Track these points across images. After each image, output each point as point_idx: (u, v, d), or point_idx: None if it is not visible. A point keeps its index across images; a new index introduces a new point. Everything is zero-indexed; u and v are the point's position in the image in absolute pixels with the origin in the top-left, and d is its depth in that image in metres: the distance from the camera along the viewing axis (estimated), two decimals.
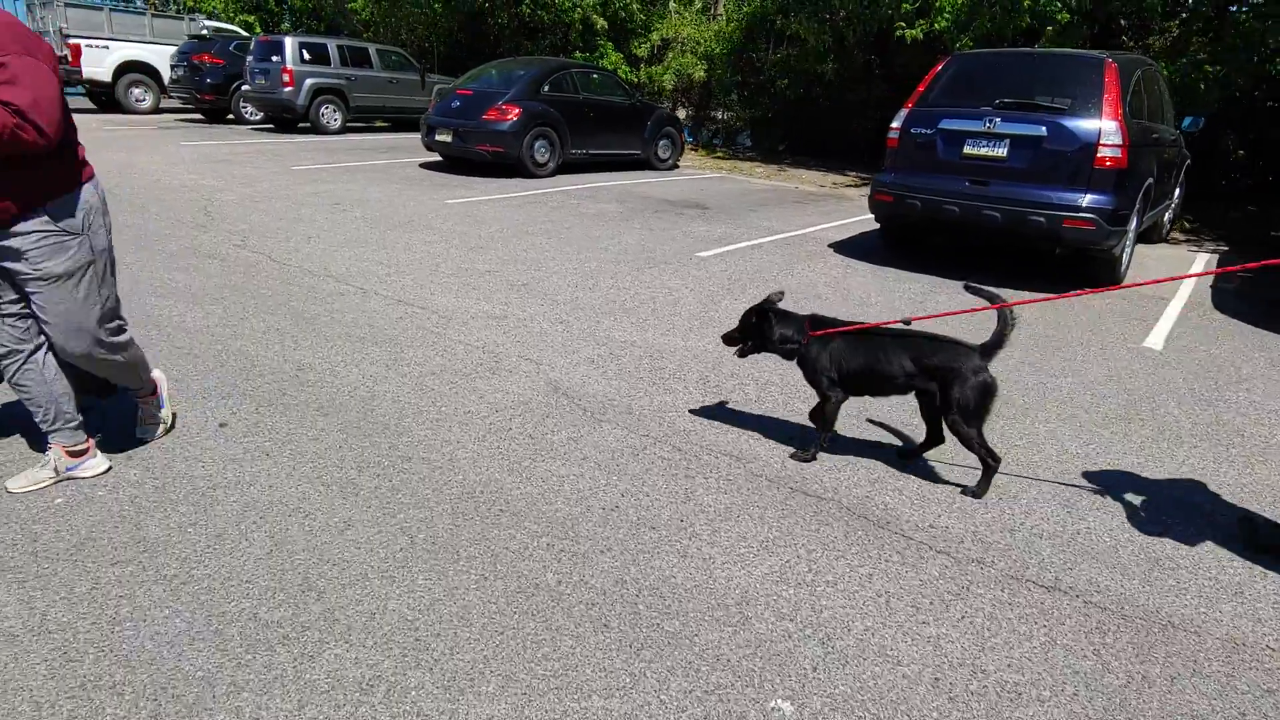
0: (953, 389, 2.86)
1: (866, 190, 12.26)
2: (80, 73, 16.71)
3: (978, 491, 3.01)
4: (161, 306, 4.74)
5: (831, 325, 3.10)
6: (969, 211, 6.06)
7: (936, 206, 6.23)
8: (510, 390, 3.84)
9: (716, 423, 3.58)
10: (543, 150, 10.82)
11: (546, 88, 10.86)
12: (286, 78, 13.94)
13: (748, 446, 3.34)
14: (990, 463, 2.96)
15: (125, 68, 17.10)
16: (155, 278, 5.32)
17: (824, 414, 3.15)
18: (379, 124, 17.12)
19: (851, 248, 7.60)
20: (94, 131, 13.76)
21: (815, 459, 3.24)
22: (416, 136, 11.88)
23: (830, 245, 7.66)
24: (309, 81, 14.19)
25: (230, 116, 16.54)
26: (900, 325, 3.06)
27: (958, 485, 3.10)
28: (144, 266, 5.56)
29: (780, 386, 4.03)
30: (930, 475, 3.20)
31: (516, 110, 10.34)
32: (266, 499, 2.79)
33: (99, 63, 16.76)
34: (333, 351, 4.19)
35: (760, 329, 3.15)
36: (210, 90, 15.73)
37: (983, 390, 2.85)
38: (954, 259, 7.12)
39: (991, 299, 2.94)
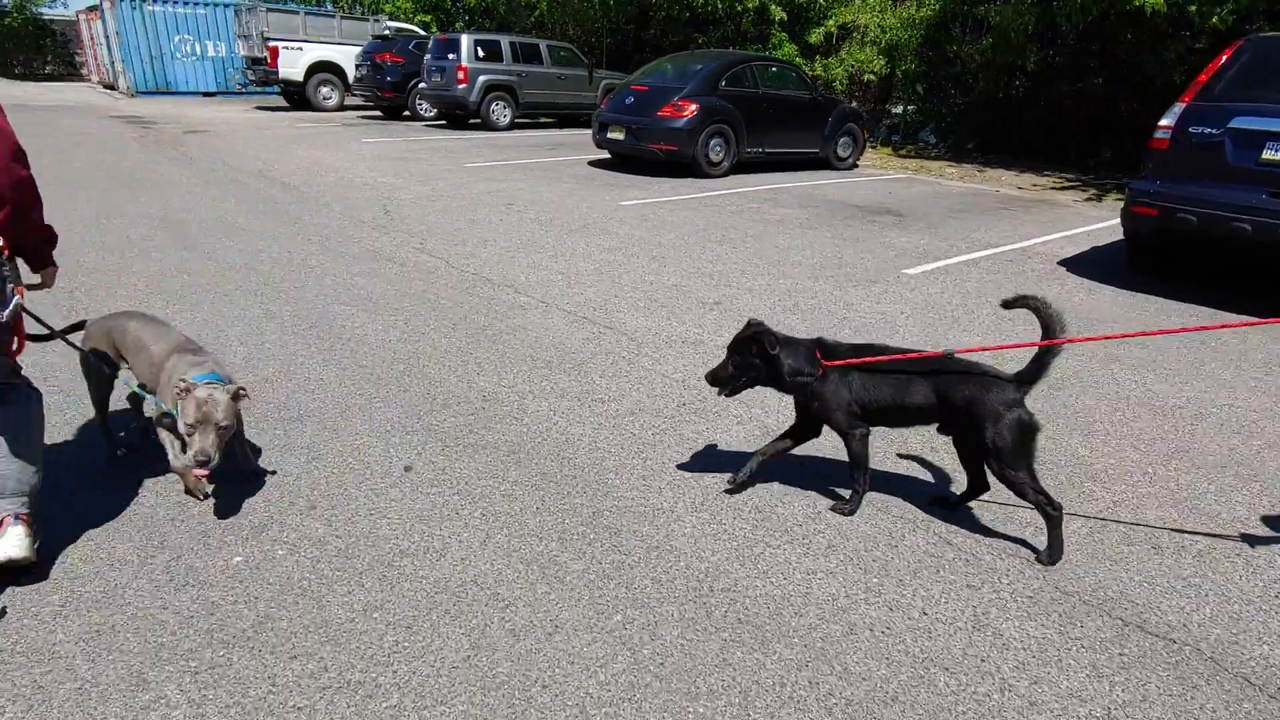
0: (985, 428, 2.41)
1: (1078, 195, 10.95)
2: (277, 73, 17.80)
3: (1050, 556, 2.50)
4: (345, 316, 4.52)
5: (842, 353, 2.63)
6: (1267, 230, 4.89)
7: (1221, 223, 5.08)
8: (722, 439, 3.26)
9: (993, 504, 2.83)
10: (717, 149, 10.21)
11: (724, 83, 10.22)
12: (461, 75, 14.12)
13: (1041, 542, 2.57)
14: (1050, 512, 2.46)
15: (315, 68, 18.08)
16: (340, 283, 5.16)
17: (854, 454, 2.67)
18: (544, 120, 17.16)
19: (1088, 266, 6.48)
20: (287, 129, 14.54)
21: (856, 510, 2.75)
22: (582, 133, 11.67)
23: (1061, 263, 6.57)
24: (481, 79, 14.31)
25: (406, 113, 17.09)
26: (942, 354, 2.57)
27: None
28: (328, 270, 5.44)
29: (1068, 443, 3.21)
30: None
31: (693, 107, 9.78)
32: (459, 578, 2.34)
33: (293, 64, 17.79)
34: (519, 378, 3.77)
35: (763, 362, 2.58)
36: (390, 88, 16.27)
37: (1019, 427, 2.39)
38: (1223, 282, 5.88)
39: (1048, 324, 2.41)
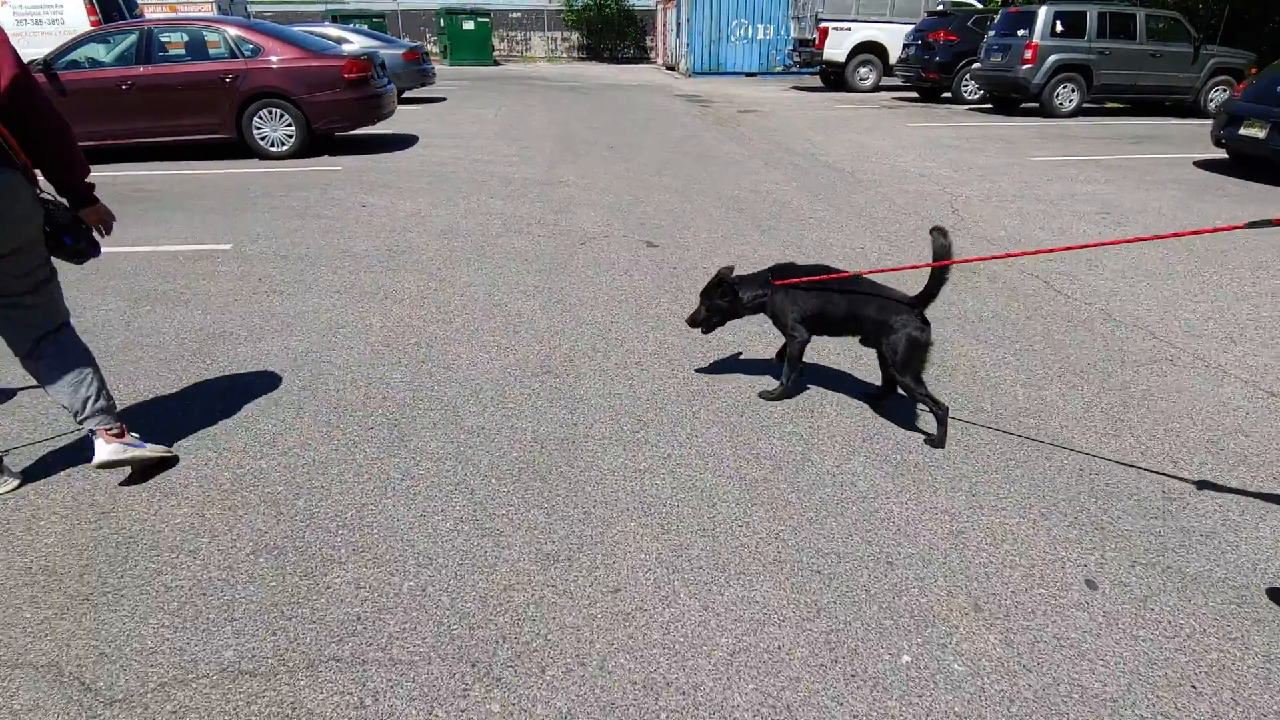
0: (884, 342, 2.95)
1: None
2: (821, 54, 18.18)
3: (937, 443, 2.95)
4: (955, 344, 3.99)
5: (790, 274, 3.17)
6: None
7: None
8: None
9: None
10: None
11: None
12: (1028, 54, 12.58)
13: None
14: (937, 412, 2.94)
15: (859, 48, 18.00)
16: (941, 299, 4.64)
17: (790, 353, 3.23)
18: (1111, 105, 14.58)
19: None
20: (827, 110, 14.71)
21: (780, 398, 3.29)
22: (1171, 123, 9.37)
23: None
24: (1052, 58, 12.57)
25: (946, 95, 16.05)
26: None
27: None
28: (907, 277, 4.96)
29: None
30: None
31: None
32: None
33: (839, 45, 17.98)
34: (1201, 467, 2.80)
35: (730, 299, 3.20)
36: (936, 68, 15.37)
37: (911, 343, 2.89)
38: None
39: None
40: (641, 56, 35.85)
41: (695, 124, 12.70)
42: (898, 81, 17.54)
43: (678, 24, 26.48)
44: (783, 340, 3.31)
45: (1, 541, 2.42)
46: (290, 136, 9.00)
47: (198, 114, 8.78)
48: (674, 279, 4.92)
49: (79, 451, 2.90)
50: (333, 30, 15.83)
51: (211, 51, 8.83)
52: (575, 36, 35.57)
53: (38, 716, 1.81)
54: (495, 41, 32.29)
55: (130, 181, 8.02)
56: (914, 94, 17.24)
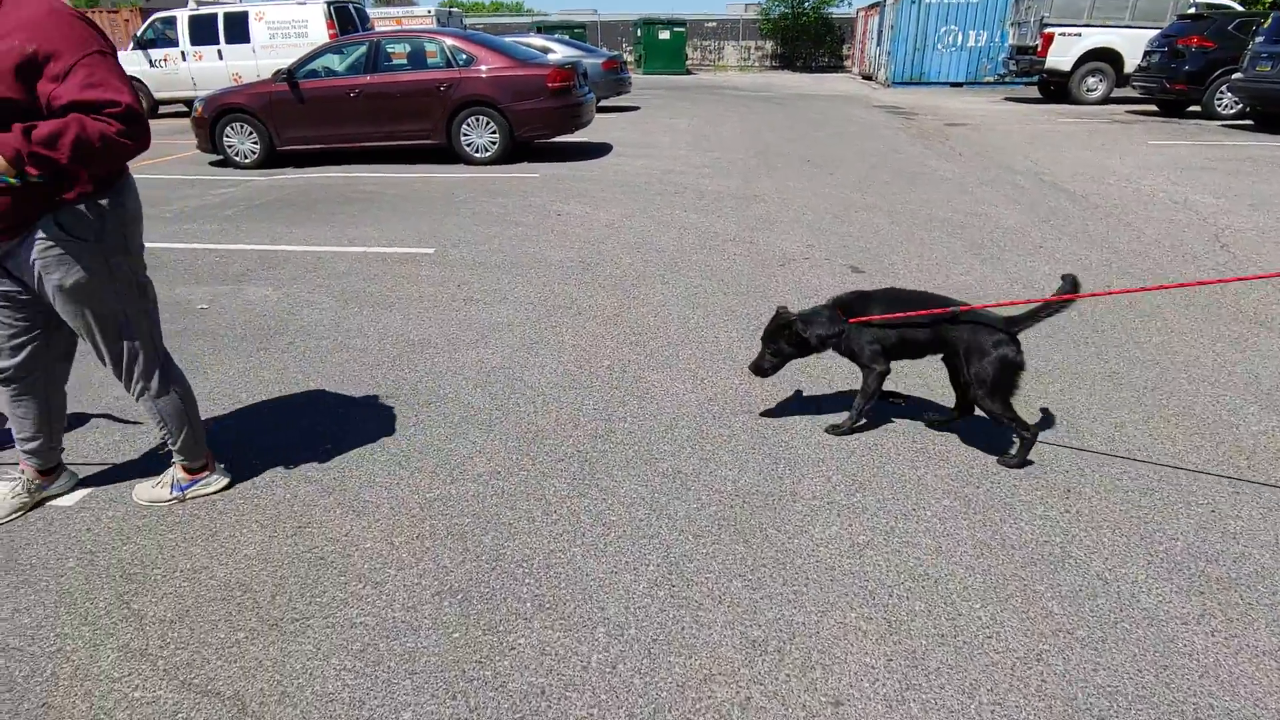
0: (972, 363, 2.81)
1: None
2: (1043, 63, 16.61)
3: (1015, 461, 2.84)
4: (1225, 409, 3.25)
5: (863, 305, 2.98)
6: None
7: None
8: None
9: None
10: None
11: None
12: None
13: None
14: (1025, 435, 2.81)
15: (1088, 55, 16.26)
16: (1206, 353, 3.86)
17: (869, 388, 3.02)
18: None
19: None
20: (1049, 124, 13.35)
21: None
22: None
23: None
24: None
25: (1193, 108, 14.09)
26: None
27: None
28: (1186, 330, 4.17)
29: None
30: None
31: None
32: None
33: (1064, 52, 16.33)
34: None
35: (797, 342, 2.97)
36: (1184, 79, 13.50)
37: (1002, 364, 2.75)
38: None
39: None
40: (836, 65, 34.78)
41: (898, 137, 11.92)
42: (1131, 93, 15.65)
43: (879, 31, 25.33)
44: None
45: (206, 548, 2.44)
46: (493, 143, 9.30)
47: (414, 120, 9.28)
48: None
49: (283, 453, 2.93)
50: (538, 40, 16.45)
51: (429, 61, 9.30)
52: (769, 45, 35.13)
53: None
54: (689, 51, 32.54)
55: (350, 182, 8.59)
56: (1153, 107, 15.30)
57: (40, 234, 2.10)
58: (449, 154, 9.49)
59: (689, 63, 32.28)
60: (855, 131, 12.62)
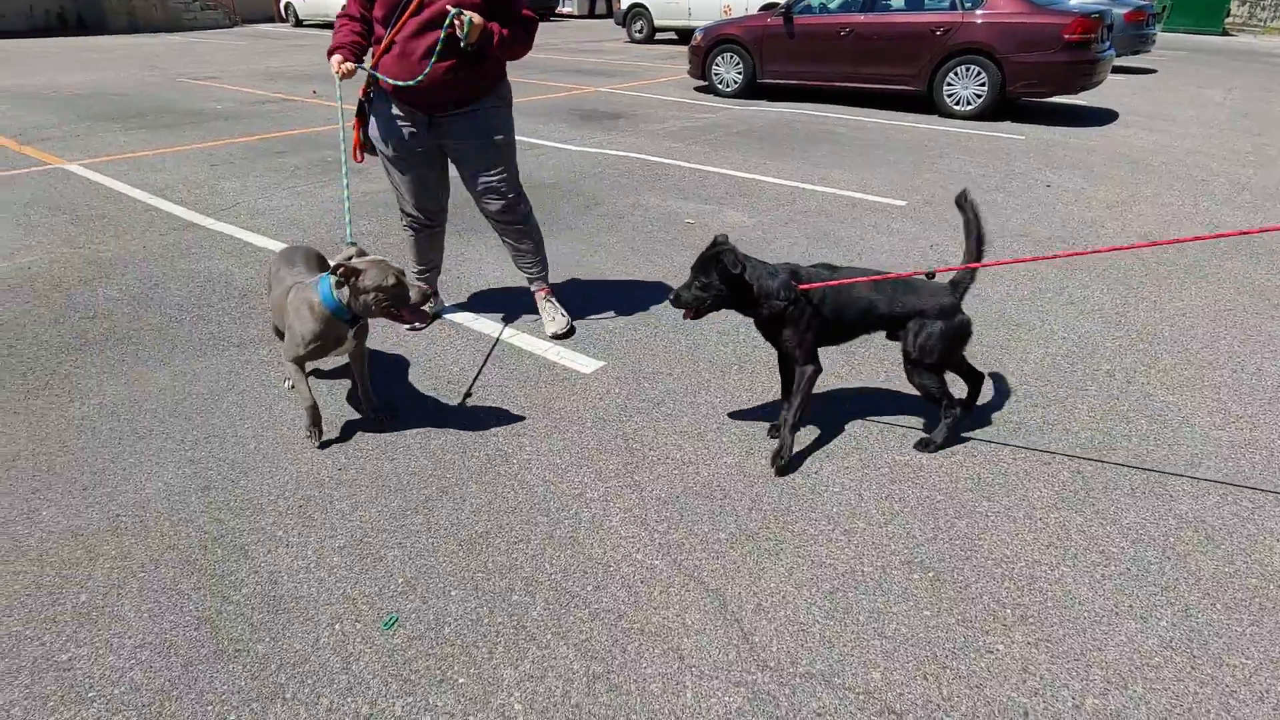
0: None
1: None
2: None
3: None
4: None
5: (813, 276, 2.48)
6: None
7: None
8: None
9: None
10: None
11: None
12: None
13: None
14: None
15: None
16: None
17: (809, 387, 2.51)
18: None
19: None
20: None
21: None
22: None
23: None
24: None
25: None
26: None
27: None
28: None
29: None
30: None
31: None
32: None
33: None
34: None
35: (734, 282, 2.36)
36: None
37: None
38: None
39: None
40: None
41: None
42: None
43: None
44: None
45: (694, 446, 2.68)
46: (978, 96, 8.58)
47: (899, 64, 8.95)
48: None
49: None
50: None
51: (927, 2, 8.78)
52: None
53: (703, 641, 1.88)
54: (1233, 4, 26.45)
55: (822, 121, 8.65)
56: None
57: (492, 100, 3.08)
58: (922, 102, 9.01)
59: (1227, 21, 26.23)
60: None
